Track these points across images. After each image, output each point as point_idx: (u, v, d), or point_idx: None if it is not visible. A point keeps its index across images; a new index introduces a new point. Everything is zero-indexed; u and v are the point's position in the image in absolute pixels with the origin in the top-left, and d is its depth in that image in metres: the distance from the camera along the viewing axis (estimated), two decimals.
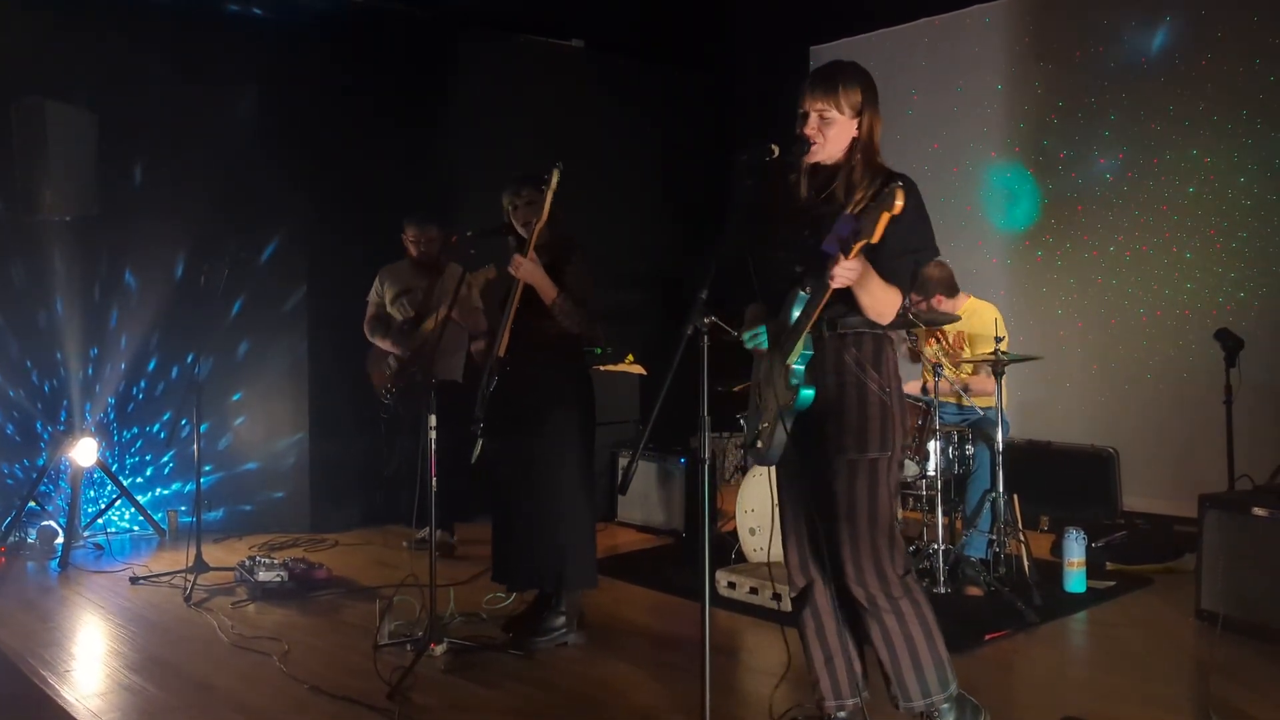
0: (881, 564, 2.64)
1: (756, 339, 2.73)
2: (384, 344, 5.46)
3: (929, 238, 2.67)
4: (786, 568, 2.83)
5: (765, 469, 4.76)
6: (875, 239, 2.40)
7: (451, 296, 4.27)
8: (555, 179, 3.70)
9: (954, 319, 4.85)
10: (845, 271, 2.45)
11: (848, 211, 2.56)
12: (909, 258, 2.64)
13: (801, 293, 2.58)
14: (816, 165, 2.69)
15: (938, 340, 5.00)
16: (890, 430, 2.65)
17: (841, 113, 2.62)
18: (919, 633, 2.67)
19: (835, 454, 2.64)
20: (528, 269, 3.76)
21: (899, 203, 2.36)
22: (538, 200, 3.83)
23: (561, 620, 3.91)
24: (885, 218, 2.38)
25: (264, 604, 4.48)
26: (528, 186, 3.92)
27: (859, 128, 2.64)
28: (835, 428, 2.64)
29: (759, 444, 2.71)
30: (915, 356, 5.08)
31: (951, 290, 4.97)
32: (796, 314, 2.58)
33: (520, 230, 3.95)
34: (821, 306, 2.54)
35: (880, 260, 2.58)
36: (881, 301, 2.58)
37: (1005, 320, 4.91)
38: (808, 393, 2.58)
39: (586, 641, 3.93)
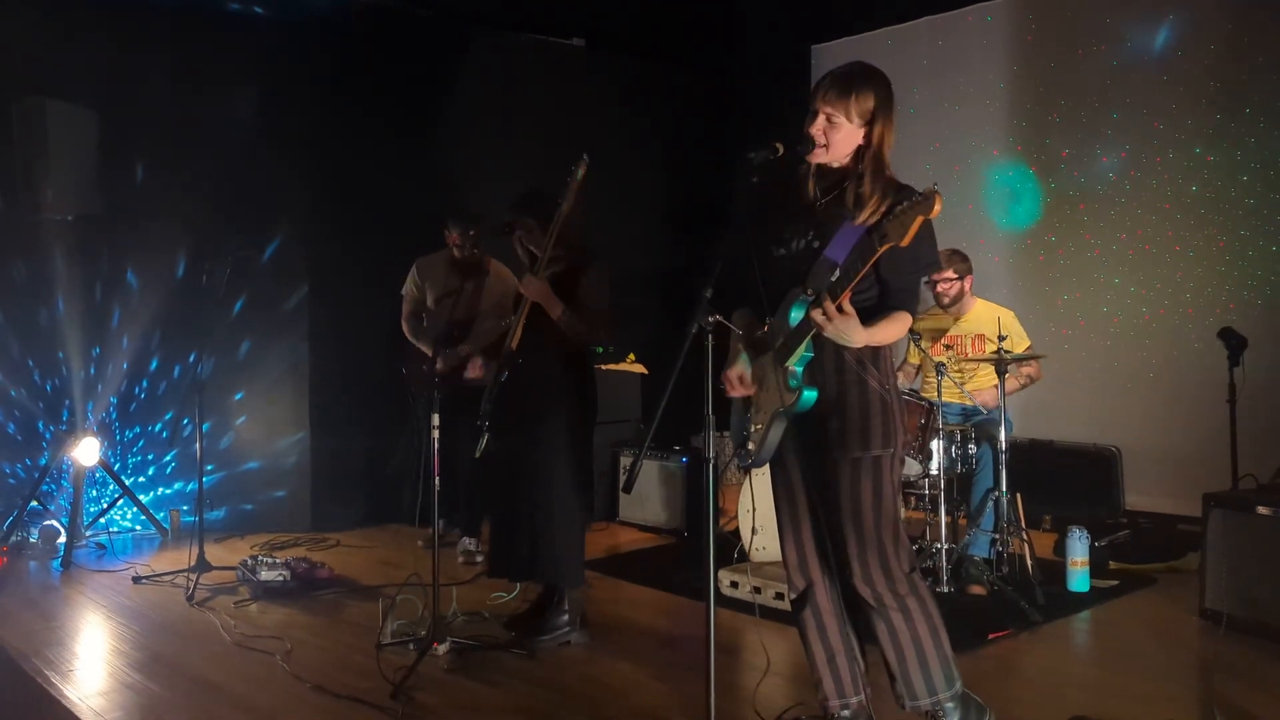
0: (888, 562, 2.63)
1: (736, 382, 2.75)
2: (423, 347, 5.32)
3: (935, 252, 2.69)
4: (785, 568, 2.82)
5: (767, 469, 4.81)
6: (905, 242, 2.38)
7: (524, 312, 4.11)
8: (581, 172, 3.69)
9: (947, 325, 4.90)
10: (821, 318, 2.45)
11: (856, 223, 2.54)
12: (920, 274, 2.66)
13: (803, 295, 2.56)
14: (824, 167, 2.66)
15: (947, 347, 5.00)
16: (891, 427, 2.64)
17: (849, 120, 2.57)
18: (925, 631, 2.66)
19: (839, 453, 2.63)
20: (536, 289, 3.83)
21: (938, 207, 2.32)
22: (536, 228, 3.90)
23: (564, 619, 3.91)
24: (920, 220, 2.35)
25: (266, 603, 4.48)
26: (525, 213, 3.96)
27: (867, 136, 2.59)
28: (838, 427, 2.63)
29: (750, 445, 2.70)
30: (914, 373, 5.13)
31: (963, 276, 5.00)
32: (797, 317, 2.57)
33: (533, 250, 3.97)
34: None
35: (895, 278, 2.59)
36: (883, 338, 2.60)
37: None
38: (810, 394, 2.57)
39: (589, 640, 3.93)
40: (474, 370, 4.22)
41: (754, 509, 4.86)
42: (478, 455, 3.86)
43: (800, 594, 2.80)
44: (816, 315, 2.46)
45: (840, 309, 2.46)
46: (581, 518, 4.02)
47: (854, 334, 2.51)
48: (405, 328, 5.41)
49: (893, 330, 2.60)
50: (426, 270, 5.40)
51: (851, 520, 2.63)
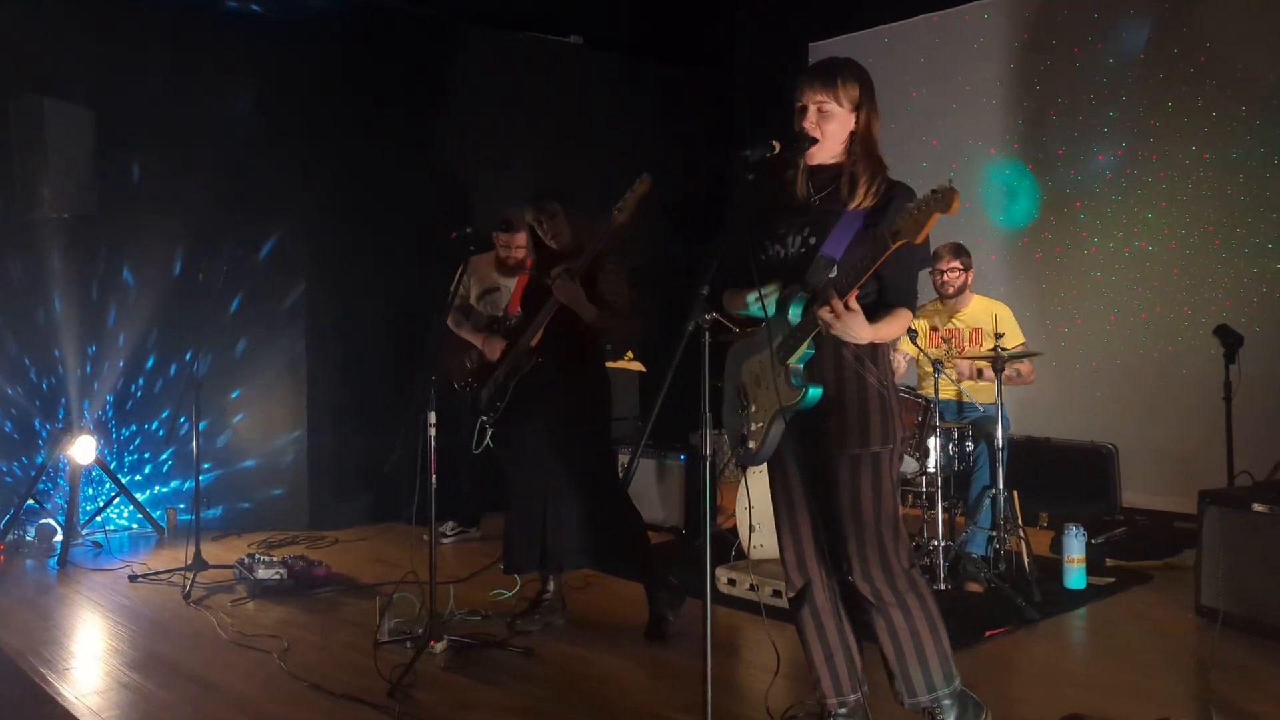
0: (888, 558, 2.63)
1: (769, 297, 2.60)
2: (468, 336, 5.26)
3: (927, 248, 2.71)
4: (783, 566, 2.82)
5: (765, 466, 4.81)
6: (920, 239, 2.35)
7: (548, 315, 4.14)
8: (643, 189, 3.62)
9: (939, 321, 4.91)
10: (829, 316, 2.42)
11: (850, 208, 2.56)
12: (915, 270, 2.67)
13: (801, 293, 2.57)
14: (817, 165, 2.67)
15: (944, 340, 5.01)
16: (890, 423, 2.65)
17: (840, 105, 2.60)
18: (924, 628, 2.67)
19: (838, 450, 2.63)
20: (569, 292, 3.79)
21: (956, 205, 2.25)
22: (561, 215, 3.91)
23: (546, 603, 4.06)
24: (935, 218, 2.27)
25: (263, 601, 4.48)
26: (550, 201, 3.95)
27: (856, 123, 2.63)
28: (837, 424, 2.63)
29: (750, 444, 2.70)
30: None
31: (968, 269, 5.01)
32: (797, 314, 2.57)
33: (549, 243, 3.97)
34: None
35: (896, 275, 2.58)
36: (885, 335, 2.60)
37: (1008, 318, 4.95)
38: (815, 391, 2.56)
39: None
40: (491, 351, 4.28)
41: (752, 506, 4.87)
42: (476, 450, 3.87)
43: (799, 592, 2.79)
44: (824, 314, 2.44)
45: (847, 306, 2.44)
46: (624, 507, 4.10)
47: (860, 331, 2.49)
48: (450, 320, 5.37)
49: (895, 327, 2.60)
50: (473, 267, 5.45)
51: (851, 517, 2.63)
